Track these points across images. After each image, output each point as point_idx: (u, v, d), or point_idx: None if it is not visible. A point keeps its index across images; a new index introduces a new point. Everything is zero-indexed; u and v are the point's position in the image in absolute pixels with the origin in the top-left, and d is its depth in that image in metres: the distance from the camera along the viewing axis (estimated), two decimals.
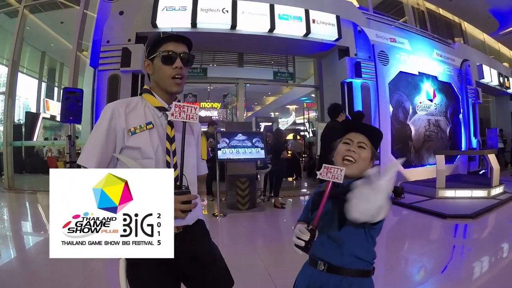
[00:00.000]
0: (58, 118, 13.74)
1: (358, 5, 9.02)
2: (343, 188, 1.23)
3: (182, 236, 1.24)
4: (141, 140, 1.22)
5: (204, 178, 1.49)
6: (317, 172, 1.22)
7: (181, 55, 1.28)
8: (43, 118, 13.78)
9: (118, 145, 1.23)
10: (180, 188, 1.17)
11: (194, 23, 5.98)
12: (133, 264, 1.22)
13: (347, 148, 1.31)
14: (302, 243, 1.17)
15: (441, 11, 12.70)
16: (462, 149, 9.90)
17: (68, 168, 5.88)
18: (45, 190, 7.93)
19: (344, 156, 1.30)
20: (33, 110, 13.80)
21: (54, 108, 14.15)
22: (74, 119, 5.94)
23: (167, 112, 1.24)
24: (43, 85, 14.40)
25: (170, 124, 1.26)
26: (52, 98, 14.83)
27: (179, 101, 1.32)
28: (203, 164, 1.48)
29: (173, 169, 1.21)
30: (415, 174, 8.01)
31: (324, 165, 1.21)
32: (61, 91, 6.50)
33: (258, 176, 6.52)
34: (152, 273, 1.22)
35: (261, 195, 6.75)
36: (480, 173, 9.84)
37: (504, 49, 16.77)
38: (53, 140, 13.33)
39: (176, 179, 1.18)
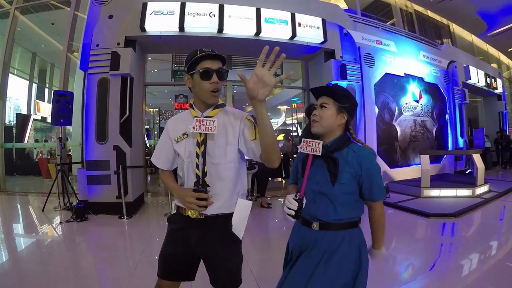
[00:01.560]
0: (49, 120, 13.71)
1: (346, 7, 9.15)
2: (328, 148, 1.44)
3: (202, 222, 1.52)
4: (180, 147, 1.57)
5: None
6: (298, 147, 1.41)
7: (217, 71, 1.48)
8: (34, 119, 13.74)
9: (174, 147, 1.60)
10: (200, 187, 1.47)
11: (181, 27, 6.04)
12: (171, 222, 1.66)
13: (315, 112, 1.49)
14: (292, 212, 1.35)
15: (430, 13, 12.86)
16: (449, 149, 10.05)
17: (59, 170, 5.97)
18: (36, 192, 7.97)
19: (312, 119, 1.49)
20: (24, 111, 13.75)
21: (45, 109, 14.09)
22: (65, 121, 6.00)
23: (189, 126, 1.49)
24: (34, 86, 14.33)
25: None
26: (43, 100, 14.76)
27: (221, 105, 1.60)
28: (255, 145, 1.46)
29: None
30: (401, 173, 8.17)
31: (303, 139, 1.39)
32: (52, 92, 6.54)
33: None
34: (172, 232, 1.62)
35: (248, 195, 6.85)
36: (467, 172, 10.02)
37: (492, 50, 17.00)
38: (43, 142, 13.31)
39: (198, 177, 1.50)
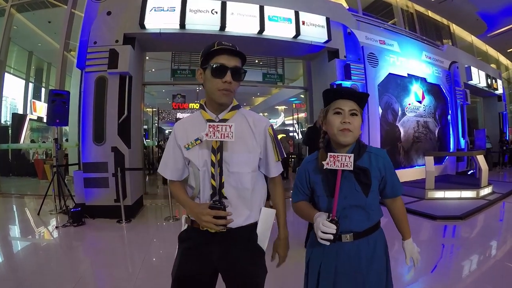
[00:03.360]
0: (45, 120, 13.57)
1: (347, 7, 9.04)
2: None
3: (224, 237, 1.33)
4: (192, 155, 1.36)
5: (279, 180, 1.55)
6: (324, 163, 1.24)
7: (232, 69, 1.31)
8: (30, 119, 13.55)
9: (184, 155, 1.39)
10: (215, 203, 1.29)
11: (182, 24, 5.91)
12: (183, 239, 1.44)
13: (341, 119, 1.29)
14: (331, 237, 1.19)
15: (430, 13, 12.84)
16: (451, 150, 10.01)
17: (54, 172, 5.79)
18: (32, 194, 7.79)
19: (340, 128, 1.29)
20: (20, 111, 13.57)
21: (41, 109, 13.93)
22: (61, 121, 5.83)
23: (202, 133, 1.28)
24: (30, 85, 14.16)
25: None
26: (40, 99, 14.58)
27: (237, 106, 1.43)
28: (276, 166, 1.46)
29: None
30: (404, 175, 8.06)
31: (329, 153, 1.24)
32: (48, 92, 6.38)
33: None
34: (187, 251, 1.40)
35: None
36: (469, 173, 9.98)
37: (492, 51, 17.05)
38: (40, 142, 13.12)
39: (212, 188, 1.32)
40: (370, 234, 1.34)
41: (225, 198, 1.32)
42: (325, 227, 1.19)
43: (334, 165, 1.21)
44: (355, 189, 1.29)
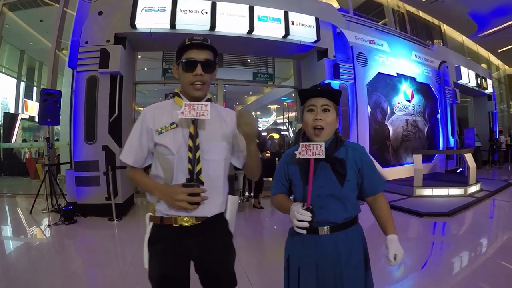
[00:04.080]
0: (37, 119, 13.50)
1: (338, 7, 9.14)
2: (327, 150, 1.32)
3: (199, 228, 1.34)
4: (166, 139, 1.33)
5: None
6: (296, 152, 1.28)
7: (202, 62, 1.34)
8: (22, 119, 13.51)
9: (151, 140, 1.36)
10: (191, 181, 1.28)
11: (173, 24, 5.95)
12: (153, 240, 1.37)
13: (314, 116, 1.34)
14: (307, 224, 1.22)
15: (421, 14, 12.98)
16: (440, 148, 10.17)
17: (46, 171, 5.82)
18: (24, 194, 7.80)
19: (313, 126, 1.33)
20: (12, 110, 13.52)
21: (33, 108, 13.88)
22: (53, 121, 5.86)
23: (177, 111, 1.28)
24: (22, 84, 14.10)
25: (194, 121, 1.32)
26: (31, 99, 14.52)
27: (209, 100, 1.43)
28: (243, 156, 1.50)
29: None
30: (393, 173, 8.20)
31: (301, 143, 1.27)
32: (40, 91, 6.40)
33: (237, 177, 6.58)
34: (164, 251, 1.34)
35: (240, 195, 6.80)
36: (458, 171, 10.14)
37: (482, 51, 17.26)
38: (32, 141, 13.08)
39: (191, 173, 1.30)
40: (348, 227, 1.35)
41: (202, 183, 1.31)
42: (300, 215, 1.21)
43: (306, 154, 1.25)
44: (331, 179, 1.32)
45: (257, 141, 5.96)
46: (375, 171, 1.40)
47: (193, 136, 1.31)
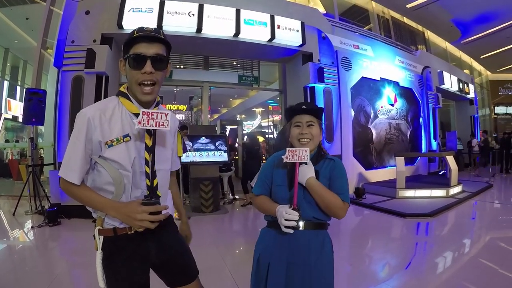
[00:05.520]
0: (20, 119, 13.23)
1: (324, 12, 9.29)
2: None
3: (153, 230, 1.21)
4: (118, 153, 1.18)
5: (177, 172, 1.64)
6: (283, 157, 1.38)
7: (152, 57, 1.17)
8: (5, 118, 13.23)
9: (95, 153, 1.19)
10: (150, 198, 1.18)
11: (160, 26, 5.97)
12: (109, 254, 1.23)
13: (300, 131, 1.50)
14: (295, 224, 1.32)
15: (406, 20, 13.23)
16: (423, 151, 10.40)
17: (30, 172, 5.75)
18: (7, 195, 7.66)
19: (299, 139, 1.50)
20: None
21: (17, 108, 13.58)
22: (37, 120, 5.77)
23: (134, 121, 1.14)
24: (6, 83, 13.77)
25: (149, 132, 1.19)
26: (15, 98, 14.22)
27: (158, 103, 1.31)
28: (178, 160, 1.57)
29: None
30: (377, 175, 8.37)
31: (288, 149, 1.38)
32: (24, 90, 6.31)
33: (222, 179, 6.67)
34: (125, 262, 1.24)
35: (224, 197, 6.89)
36: (440, 173, 10.39)
37: (465, 57, 17.68)
38: (14, 142, 12.84)
39: (156, 187, 1.21)
40: (319, 229, 1.46)
41: (159, 196, 1.22)
42: (288, 215, 1.31)
43: (293, 158, 1.36)
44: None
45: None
46: (343, 181, 1.48)
47: (151, 150, 1.19)
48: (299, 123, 1.52)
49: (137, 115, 1.17)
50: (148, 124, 1.12)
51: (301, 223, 1.41)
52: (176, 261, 1.40)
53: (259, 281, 1.48)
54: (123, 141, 1.19)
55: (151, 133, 1.18)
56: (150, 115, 1.12)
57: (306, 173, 1.40)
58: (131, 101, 1.23)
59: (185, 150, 1.45)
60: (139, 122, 1.11)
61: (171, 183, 1.50)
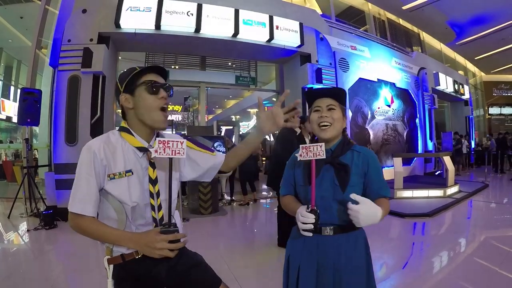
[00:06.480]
0: (14, 120, 13.07)
1: (321, 13, 9.30)
2: (333, 153, 1.36)
3: None
4: (118, 188, 1.17)
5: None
6: (297, 155, 1.28)
7: (164, 85, 1.24)
8: None
9: (101, 185, 1.18)
10: (169, 226, 1.16)
11: (158, 25, 5.93)
12: (120, 281, 1.21)
13: (319, 115, 1.37)
14: (311, 226, 1.22)
15: (401, 21, 13.32)
16: (419, 152, 10.46)
17: (25, 174, 5.65)
18: (1, 197, 7.53)
19: (319, 123, 1.36)
20: None
21: (10, 108, 13.40)
22: (32, 121, 5.67)
23: (150, 150, 1.15)
24: None
25: (152, 165, 1.21)
26: (8, 98, 14.03)
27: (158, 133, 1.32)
28: (215, 155, 1.47)
29: None
30: None
31: (301, 145, 1.27)
32: (18, 90, 6.22)
33: (220, 180, 6.63)
34: (138, 286, 1.23)
35: (222, 199, 6.86)
36: (436, 174, 10.45)
37: (460, 58, 17.84)
38: (8, 143, 12.66)
39: (162, 219, 1.21)
40: (350, 231, 1.35)
41: (175, 226, 1.19)
42: (303, 217, 1.23)
43: (307, 155, 1.25)
44: (334, 183, 1.33)
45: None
46: (380, 177, 1.38)
47: (154, 182, 1.21)
48: (318, 107, 1.39)
49: (140, 148, 1.21)
50: (164, 152, 1.13)
51: (328, 229, 1.33)
52: (191, 277, 1.35)
53: (291, 283, 1.41)
54: (125, 175, 1.18)
55: (154, 166, 1.21)
56: (166, 144, 1.13)
57: (374, 214, 1.23)
58: (133, 135, 1.24)
59: (209, 148, 1.37)
60: (156, 151, 1.12)
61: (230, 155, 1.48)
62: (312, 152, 1.24)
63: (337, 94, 1.41)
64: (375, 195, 1.36)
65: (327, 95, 1.40)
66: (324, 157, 1.24)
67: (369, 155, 1.39)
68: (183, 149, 1.15)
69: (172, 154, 1.13)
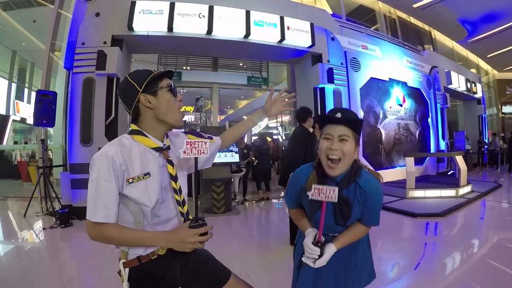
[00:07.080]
0: (28, 121, 13.30)
1: (331, 12, 9.27)
2: (338, 184, 1.29)
3: (172, 250, 1.23)
4: (136, 191, 1.18)
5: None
6: (308, 193, 1.23)
7: (176, 88, 1.35)
8: (13, 120, 13.30)
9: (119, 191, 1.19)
10: (197, 221, 1.21)
11: (170, 27, 6.00)
12: (138, 284, 1.22)
13: (329, 145, 1.25)
14: (315, 259, 1.25)
15: (412, 20, 13.17)
16: (431, 151, 10.34)
17: (41, 174, 5.76)
18: (16, 197, 7.70)
19: (327, 155, 1.26)
20: (3, 112, 13.30)
21: (25, 110, 13.66)
22: (48, 122, 5.76)
23: (180, 150, 1.22)
24: (13, 86, 13.87)
25: (171, 163, 1.26)
26: (22, 100, 14.31)
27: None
28: (222, 141, 1.68)
29: None
30: (386, 175, 8.15)
31: (314, 186, 1.21)
32: (32, 93, 6.33)
33: (232, 180, 6.67)
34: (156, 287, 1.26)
35: (235, 198, 6.88)
36: (449, 173, 10.32)
37: (472, 56, 17.54)
38: (23, 144, 12.89)
39: (188, 213, 1.28)
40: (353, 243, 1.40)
41: (203, 220, 1.24)
42: (310, 251, 1.24)
43: (319, 196, 1.19)
44: (335, 213, 1.32)
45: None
46: (375, 211, 1.35)
47: (175, 178, 1.28)
48: (329, 135, 1.26)
49: (156, 149, 1.25)
50: (191, 153, 1.22)
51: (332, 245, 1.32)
52: (203, 272, 1.40)
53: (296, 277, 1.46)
54: (143, 178, 1.20)
55: (173, 163, 1.28)
56: (193, 145, 1.22)
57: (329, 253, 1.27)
58: (148, 137, 1.26)
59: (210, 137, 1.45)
60: (184, 152, 1.21)
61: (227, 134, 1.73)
62: (324, 194, 1.19)
63: (352, 123, 1.28)
64: (366, 223, 1.38)
65: (341, 122, 1.26)
66: (335, 201, 1.18)
67: (371, 192, 1.31)
68: (207, 148, 1.25)
69: (198, 154, 1.23)
